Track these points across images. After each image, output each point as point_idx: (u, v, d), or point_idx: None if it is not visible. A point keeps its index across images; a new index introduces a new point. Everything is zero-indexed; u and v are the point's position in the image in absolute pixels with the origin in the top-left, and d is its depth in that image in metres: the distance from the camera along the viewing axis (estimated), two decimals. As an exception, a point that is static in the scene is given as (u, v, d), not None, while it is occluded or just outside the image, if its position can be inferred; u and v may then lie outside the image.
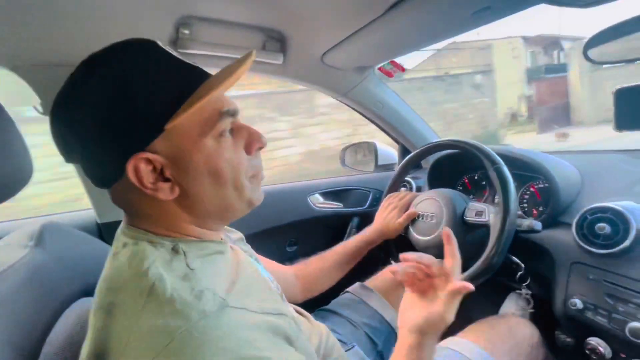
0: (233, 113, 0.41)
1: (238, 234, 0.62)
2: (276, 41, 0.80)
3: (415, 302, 0.51)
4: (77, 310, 0.47)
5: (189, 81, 0.38)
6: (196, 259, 0.38)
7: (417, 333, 0.48)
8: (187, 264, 0.37)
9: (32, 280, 0.45)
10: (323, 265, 0.81)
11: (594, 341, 0.64)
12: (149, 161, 0.37)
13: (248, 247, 0.62)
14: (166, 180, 0.38)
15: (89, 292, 0.49)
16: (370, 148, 1.40)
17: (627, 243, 0.58)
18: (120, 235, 0.41)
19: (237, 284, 0.39)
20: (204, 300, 0.32)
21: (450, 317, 0.48)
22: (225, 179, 0.40)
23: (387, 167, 1.36)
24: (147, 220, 0.41)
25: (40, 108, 0.72)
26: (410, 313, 0.50)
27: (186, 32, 0.71)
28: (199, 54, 0.74)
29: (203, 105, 0.37)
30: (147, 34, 0.70)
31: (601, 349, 0.63)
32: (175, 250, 0.38)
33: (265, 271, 0.56)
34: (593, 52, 0.62)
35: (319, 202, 1.21)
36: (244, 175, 0.42)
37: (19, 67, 0.68)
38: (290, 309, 0.54)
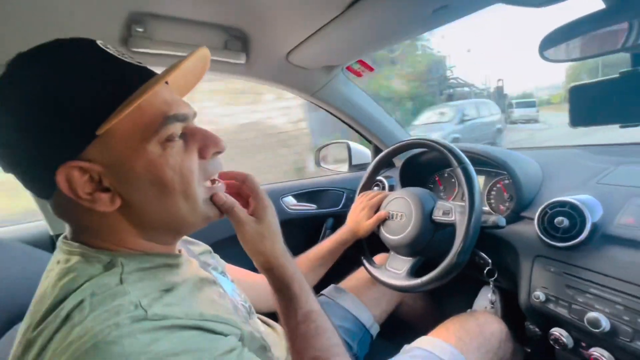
0: (182, 118, 0.38)
1: (203, 247, 0.60)
2: (238, 40, 0.77)
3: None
4: (11, 339, 0.43)
5: (128, 82, 0.35)
6: (134, 273, 0.36)
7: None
8: (120, 278, 0.34)
9: None
10: None
11: (556, 331, 0.66)
12: (84, 170, 0.34)
13: (215, 260, 0.60)
14: (106, 190, 0.35)
15: None
16: (344, 148, 1.40)
17: (583, 236, 0.60)
18: (56, 251, 0.38)
19: (173, 296, 0.36)
20: (120, 314, 0.30)
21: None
22: (172, 188, 0.37)
23: (362, 166, 1.36)
24: (87, 233, 0.38)
25: None
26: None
27: (139, 29, 0.67)
28: (155, 53, 0.71)
29: (144, 108, 0.34)
30: (96, 31, 0.67)
31: (564, 339, 0.65)
32: (111, 264, 0.35)
33: (229, 284, 0.54)
34: (549, 52, 0.64)
35: (292, 204, 1.19)
36: (195, 183, 0.39)
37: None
38: (255, 324, 0.52)
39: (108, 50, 0.35)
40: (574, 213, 0.62)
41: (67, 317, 0.30)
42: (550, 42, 0.63)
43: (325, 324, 0.48)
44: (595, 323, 0.56)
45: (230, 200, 0.45)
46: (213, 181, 0.43)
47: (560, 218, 0.63)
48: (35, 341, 0.30)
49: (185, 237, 0.56)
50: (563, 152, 0.92)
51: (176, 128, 0.37)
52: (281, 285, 0.49)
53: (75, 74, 0.33)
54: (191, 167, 0.39)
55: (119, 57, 0.36)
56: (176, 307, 0.34)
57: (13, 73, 0.33)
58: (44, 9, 0.58)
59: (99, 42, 0.36)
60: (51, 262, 0.38)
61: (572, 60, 0.65)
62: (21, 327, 0.33)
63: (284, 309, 0.49)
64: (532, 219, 0.69)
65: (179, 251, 0.47)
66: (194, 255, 0.54)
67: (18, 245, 0.57)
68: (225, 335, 0.36)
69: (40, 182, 0.35)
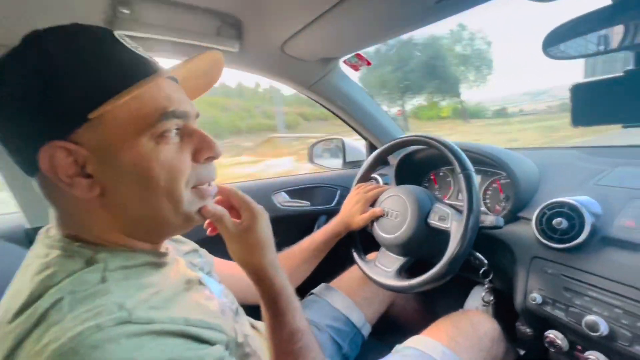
0: (181, 115, 0.37)
1: (191, 245, 0.57)
2: (231, 27, 0.73)
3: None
4: None
5: (133, 72, 0.34)
6: (118, 271, 0.34)
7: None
8: (102, 276, 0.32)
9: None
10: (291, 262, 0.78)
11: (552, 334, 0.65)
12: (69, 152, 0.32)
13: (203, 259, 0.57)
14: (88, 176, 0.34)
15: None
16: (339, 144, 1.38)
17: (582, 237, 0.59)
18: (35, 244, 0.37)
19: (157, 297, 0.34)
20: (102, 315, 0.28)
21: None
22: (156, 184, 0.35)
23: (356, 163, 1.34)
24: (69, 223, 0.36)
25: None
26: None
27: (126, 11, 0.63)
28: (142, 36, 0.66)
29: (145, 100, 0.34)
30: (78, 12, 0.62)
31: (559, 342, 0.64)
32: (92, 261, 0.33)
33: (217, 286, 0.52)
34: (552, 50, 0.62)
35: (284, 201, 1.16)
36: (182, 184, 0.37)
37: None
38: (241, 327, 0.49)
39: (122, 41, 0.35)
40: (573, 214, 0.61)
41: (43, 315, 0.28)
42: (555, 38, 0.61)
43: (311, 343, 0.47)
44: (593, 326, 0.55)
45: (220, 210, 0.44)
46: (198, 186, 0.41)
47: (558, 219, 0.62)
48: (6, 339, 0.28)
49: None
50: (559, 152, 0.91)
51: (173, 124, 0.36)
52: (269, 298, 0.48)
53: (80, 56, 0.33)
54: (181, 167, 0.37)
55: (132, 48, 0.36)
56: (161, 311, 0.32)
57: (23, 47, 0.33)
58: None
59: (115, 33, 0.36)
60: (29, 256, 0.36)
61: (576, 57, 0.63)
62: None
63: (270, 322, 0.48)
64: (530, 220, 0.68)
65: (166, 249, 0.45)
66: (181, 254, 0.51)
67: None
68: (212, 343, 0.35)
69: (26, 158, 0.34)
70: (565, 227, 0.61)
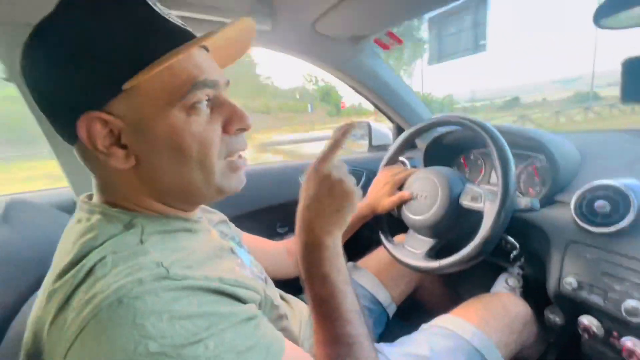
0: (212, 85, 0.37)
1: (220, 216, 0.59)
2: (264, 5, 0.74)
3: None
4: None
5: (166, 41, 0.33)
6: (154, 235, 0.35)
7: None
8: (140, 239, 0.34)
9: None
10: None
11: (586, 319, 0.63)
12: (105, 123, 0.33)
13: (231, 229, 0.59)
14: (123, 147, 0.35)
15: None
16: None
17: (627, 221, 0.56)
18: (77, 210, 0.39)
19: (191, 258, 0.35)
20: (142, 271, 0.30)
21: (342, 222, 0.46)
22: (189, 156, 0.36)
23: (382, 147, 1.33)
24: (108, 190, 0.38)
25: (2, 74, 0.66)
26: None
27: (165, -10, 0.64)
28: (177, 14, 0.68)
29: (176, 71, 0.34)
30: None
31: (594, 328, 0.62)
32: (130, 225, 0.35)
33: (247, 256, 0.53)
34: (605, 20, 0.59)
35: (310, 182, 1.17)
36: (214, 155, 0.38)
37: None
38: (274, 293, 0.51)
39: (155, 8, 0.35)
40: (617, 197, 0.58)
41: (90, 271, 0.30)
42: (607, 9, 0.58)
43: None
44: (633, 312, 0.53)
45: None
46: (229, 156, 0.41)
47: (601, 202, 0.60)
48: (57, 292, 0.30)
49: (203, 206, 0.55)
50: (605, 135, 0.86)
51: (204, 94, 0.36)
52: (319, 283, 0.42)
53: (114, 24, 0.32)
54: (212, 138, 0.37)
55: (166, 17, 0.35)
56: (196, 270, 0.34)
57: (58, 14, 0.33)
58: None
59: (149, 0, 0.35)
60: (72, 221, 0.38)
61: (629, 27, 0.60)
62: (45, 281, 0.34)
63: (319, 314, 0.42)
64: (568, 203, 0.65)
65: (199, 217, 0.46)
66: (212, 224, 0.53)
67: (48, 209, 0.58)
68: (245, 302, 0.36)
69: (66, 128, 0.35)
70: (607, 211, 0.59)
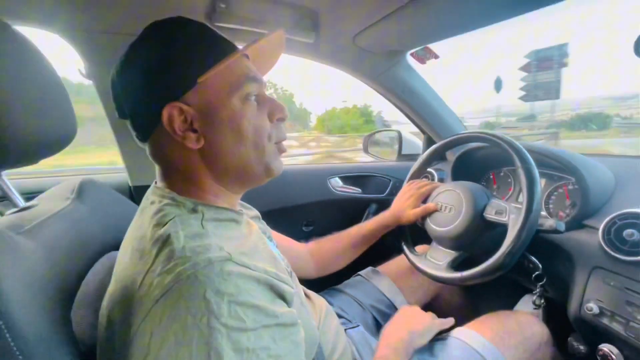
0: (259, 80, 0.46)
1: (254, 212, 0.65)
2: (309, 19, 0.79)
3: (402, 318, 0.67)
4: (107, 262, 0.51)
5: (223, 49, 0.44)
6: (211, 221, 0.41)
7: (392, 347, 0.59)
8: (202, 224, 0.39)
9: (71, 229, 0.49)
10: (338, 245, 0.83)
11: (606, 347, 0.63)
12: (181, 111, 0.41)
13: (263, 225, 0.65)
14: (194, 131, 0.43)
15: (118, 247, 0.53)
16: (395, 136, 1.39)
17: None
18: (149, 194, 0.46)
19: (244, 247, 0.41)
20: (210, 251, 0.35)
21: (424, 341, 0.64)
22: (246, 137, 0.44)
23: (411, 157, 1.34)
24: (175, 178, 0.45)
25: (83, 71, 0.77)
26: (394, 328, 0.64)
27: (223, 5, 0.72)
28: (233, 27, 0.76)
29: (232, 69, 0.43)
30: (185, 7, 0.73)
31: (613, 357, 0.62)
32: (194, 210, 0.42)
33: (276, 250, 0.58)
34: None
35: (338, 186, 1.22)
36: (266, 138, 0.46)
37: (66, 32, 0.72)
38: (298, 287, 0.56)
39: (212, 29, 0.45)
40: None
41: (166, 240, 0.36)
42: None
43: None
44: None
45: None
46: (277, 142, 0.50)
47: (630, 230, 0.59)
48: (144, 256, 0.36)
49: (240, 202, 0.61)
50: None
51: (253, 88, 0.45)
52: None
53: (188, 38, 0.42)
54: (263, 124, 0.46)
55: (219, 33, 0.45)
56: (249, 259, 0.38)
57: (148, 34, 0.43)
58: None
59: (207, 24, 0.45)
60: (144, 201, 0.45)
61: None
62: (126, 244, 0.42)
63: None
64: (596, 229, 0.65)
65: (241, 210, 0.52)
66: (249, 218, 0.59)
67: (109, 189, 0.67)
68: (284, 295, 0.39)
69: (147, 120, 0.43)
70: (636, 239, 0.58)
